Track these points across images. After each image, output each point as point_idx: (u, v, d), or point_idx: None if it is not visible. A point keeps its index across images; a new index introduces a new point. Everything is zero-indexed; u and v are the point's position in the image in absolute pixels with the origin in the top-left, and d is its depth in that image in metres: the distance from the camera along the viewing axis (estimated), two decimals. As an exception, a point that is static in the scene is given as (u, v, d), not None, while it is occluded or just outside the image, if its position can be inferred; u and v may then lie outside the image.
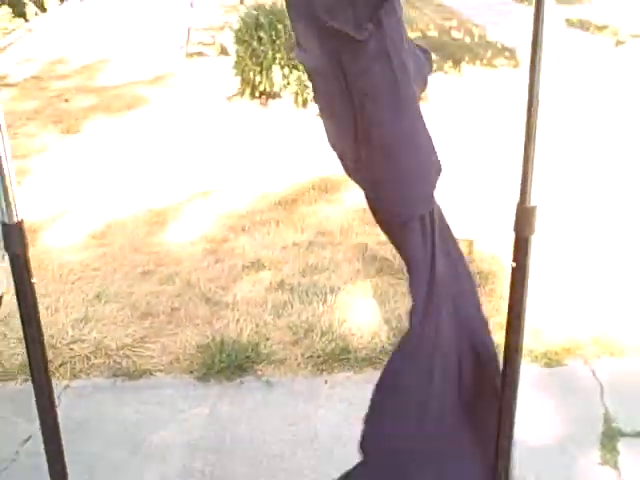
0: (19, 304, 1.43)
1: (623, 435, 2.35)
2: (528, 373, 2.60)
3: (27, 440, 2.37)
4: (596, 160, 4.63)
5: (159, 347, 2.83)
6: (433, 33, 8.91)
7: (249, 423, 2.45)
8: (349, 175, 1.66)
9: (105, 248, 3.54)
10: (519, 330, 1.57)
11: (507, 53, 7.68)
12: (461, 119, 5.46)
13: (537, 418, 2.43)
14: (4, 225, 1.34)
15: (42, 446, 1.59)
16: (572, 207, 3.93)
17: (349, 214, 3.90)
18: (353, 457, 1.76)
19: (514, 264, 1.48)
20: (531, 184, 1.43)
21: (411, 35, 8.69)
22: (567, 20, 9.44)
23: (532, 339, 2.80)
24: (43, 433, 1.58)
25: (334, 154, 1.62)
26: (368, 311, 3.02)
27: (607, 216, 3.85)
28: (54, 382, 2.58)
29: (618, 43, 8.07)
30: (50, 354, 2.74)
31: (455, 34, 8.80)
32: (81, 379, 2.69)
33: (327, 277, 3.26)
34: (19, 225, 1.35)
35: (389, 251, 3.46)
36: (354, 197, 4.12)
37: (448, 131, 5.21)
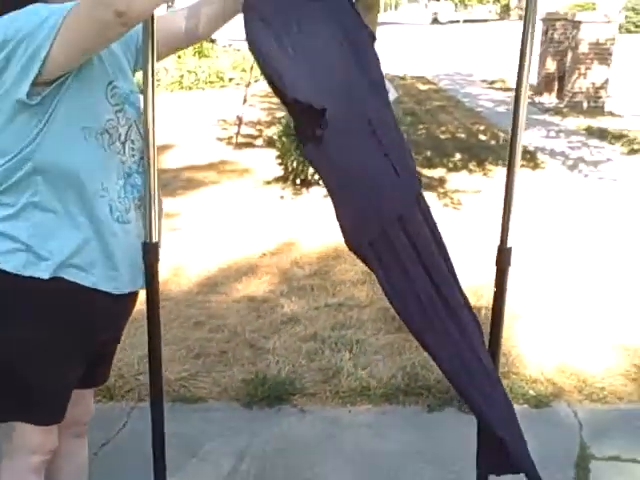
0: (147, 307, 1.90)
1: (595, 459, 2.83)
2: (520, 412, 3.12)
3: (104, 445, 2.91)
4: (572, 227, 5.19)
5: (210, 380, 3.38)
6: (461, 135, 9.63)
7: (285, 438, 2.97)
8: None
9: (164, 302, 4.13)
10: (498, 340, 2.07)
11: (528, 156, 8.32)
12: (479, 210, 6.06)
13: (529, 442, 2.92)
14: (144, 243, 1.85)
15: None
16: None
17: (375, 284, 4.47)
18: (370, 466, 2.23)
19: (495, 289, 2.05)
20: (508, 230, 2.01)
21: (441, 136, 9.47)
22: (588, 128, 10.17)
23: (528, 386, 3.32)
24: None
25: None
26: (387, 360, 3.56)
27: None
28: (123, 404, 3.18)
29: (632, 152, 8.69)
30: (120, 382, 3.31)
31: (482, 137, 9.51)
32: (145, 402, 3.24)
33: (353, 332, 3.81)
34: (155, 245, 1.86)
35: (408, 313, 4.04)
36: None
37: (468, 220, 5.82)
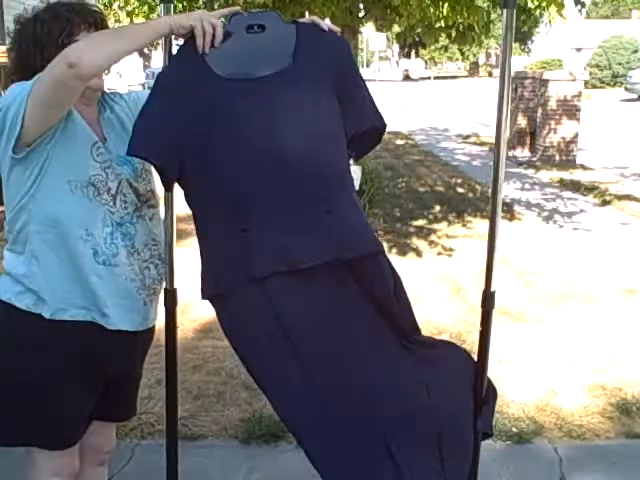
0: (166, 348, 2.14)
1: (574, 492, 3.03)
2: (504, 449, 3.32)
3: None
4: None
5: (209, 419, 3.53)
6: (440, 188, 9.95)
7: (284, 472, 3.13)
8: None
9: (160, 348, 4.28)
10: (483, 377, 2.28)
11: (505, 207, 8.63)
12: (461, 256, 6.30)
13: (512, 477, 3.11)
14: (165, 290, 2.12)
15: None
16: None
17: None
18: None
19: (481, 329, 2.25)
20: (492, 275, 2.22)
21: (420, 189, 9.78)
22: (561, 181, 10.55)
23: (511, 424, 3.52)
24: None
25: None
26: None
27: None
28: (127, 441, 3.32)
29: (604, 203, 9.04)
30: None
31: (459, 189, 9.83)
32: (148, 440, 3.38)
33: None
34: (174, 291, 2.12)
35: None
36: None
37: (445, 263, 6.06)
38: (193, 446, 3.31)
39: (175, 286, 2.13)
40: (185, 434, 3.39)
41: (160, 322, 2.18)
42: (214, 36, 1.85)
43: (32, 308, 1.92)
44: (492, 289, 2.20)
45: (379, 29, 7.58)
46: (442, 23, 5.66)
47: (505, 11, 1.95)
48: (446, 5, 5.33)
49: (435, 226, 7.61)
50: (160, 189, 2.04)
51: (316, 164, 1.86)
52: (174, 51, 1.96)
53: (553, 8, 5.31)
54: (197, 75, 1.88)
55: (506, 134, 2.08)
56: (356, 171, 1.83)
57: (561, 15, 5.36)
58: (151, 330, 2.16)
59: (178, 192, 1.97)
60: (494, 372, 3.96)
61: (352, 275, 1.89)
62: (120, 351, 2.07)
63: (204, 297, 1.92)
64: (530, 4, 5.39)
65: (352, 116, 1.94)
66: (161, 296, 2.15)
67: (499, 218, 2.16)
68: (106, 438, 2.27)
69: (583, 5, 6.03)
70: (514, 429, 3.48)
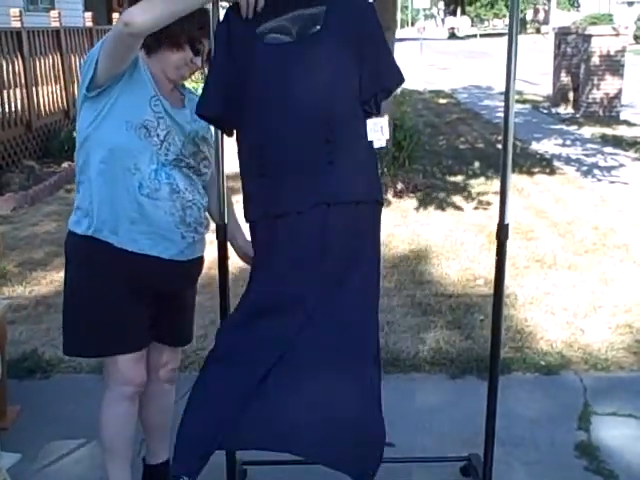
0: (220, 279, 2.42)
1: (596, 414, 3.28)
2: (532, 380, 3.59)
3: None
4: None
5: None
6: (480, 145, 10.10)
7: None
8: None
9: (212, 294, 4.61)
10: (501, 293, 2.53)
11: (544, 162, 8.78)
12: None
13: (538, 403, 3.39)
14: (217, 225, 2.39)
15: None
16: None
17: (402, 275, 4.97)
18: (402, 420, 2.65)
19: (497, 257, 2.51)
20: (505, 208, 2.47)
21: (460, 146, 9.94)
22: (603, 136, 10.60)
23: (539, 358, 3.78)
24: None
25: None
26: (414, 337, 4.03)
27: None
28: (186, 374, 3.65)
29: (645, 155, 9.11)
30: (182, 356, 3.78)
31: (499, 146, 9.95)
32: (205, 372, 3.73)
33: (384, 316, 4.27)
34: (225, 225, 2.39)
35: (432, 299, 4.53)
36: (407, 263, 5.21)
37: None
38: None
39: (225, 222, 2.39)
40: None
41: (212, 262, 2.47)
42: (256, 4, 2.13)
43: (83, 230, 2.28)
44: (506, 221, 2.42)
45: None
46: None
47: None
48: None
49: (473, 181, 7.81)
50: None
51: (327, 124, 2.15)
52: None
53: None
54: (244, 41, 2.17)
55: (515, 75, 2.32)
56: (382, 122, 1.99)
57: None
58: (194, 263, 2.45)
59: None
60: (524, 313, 4.26)
61: (342, 217, 2.20)
62: (162, 276, 2.36)
63: (246, 221, 2.29)
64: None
65: (370, 78, 2.20)
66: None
67: (510, 157, 2.39)
68: (170, 357, 2.61)
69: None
70: (542, 362, 3.74)
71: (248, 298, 2.25)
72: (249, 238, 2.35)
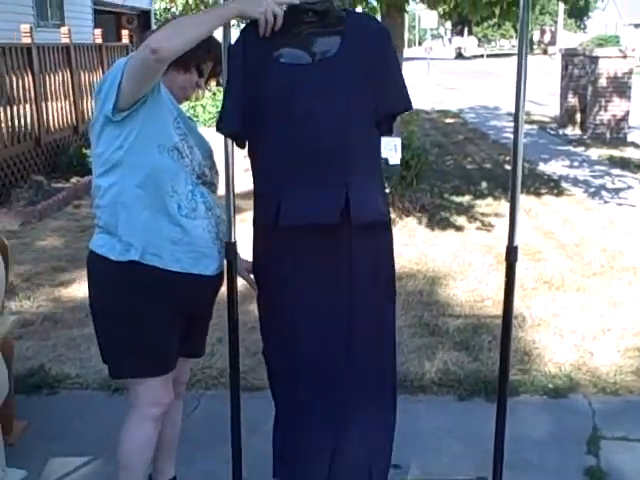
0: (228, 297, 2.44)
1: (605, 438, 3.26)
2: (541, 403, 3.57)
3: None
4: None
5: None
6: (487, 165, 10.11)
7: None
8: None
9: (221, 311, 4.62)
10: (510, 316, 2.52)
11: (552, 184, 8.78)
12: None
13: (547, 426, 3.37)
14: (226, 243, 2.39)
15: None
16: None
17: (410, 295, 4.96)
18: (410, 441, 2.66)
19: (506, 279, 2.50)
20: (514, 230, 2.46)
21: (468, 166, 9.94)
22: (610, 158, 10.60)
23: (547, 380, 3.76)
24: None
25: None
26: (422, 358, 4.01)
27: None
28: (194, 391, 3.63)
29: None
30: (190, 374, 3.79)
31: (507, 167, 9.96)
32: (212, 390, 3.72)
33: (392, 336, 4.26)
34: (234, 243, 2.40)
35: (440, 319, 4.52)
36: (414, 283, 5.20)
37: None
38: (252, 396, 3.62)
39: (233, 239, 2.40)
40: (245, 386, 3.70)
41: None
42: (274, 24, 2.15)
43: (122, 256, 2.25)
44: (515, 243, 2.42)
45: (430, 7, 7.74)
46: (486, 0, 5.78)
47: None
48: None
49: (481, 202, 7.81)
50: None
51: (342, 144, 2.21)
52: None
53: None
54: (261, 58, 2.22)
55: (525, 96, 2.33)
56: (396, 142, 2.02)
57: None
58: (222, 277, 2.47)
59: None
60: (532, 335, 4.24)
61: (356, 239, 2.29)
62: (201, 293, 2.40)
63: (261, 223, 2.37)
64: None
65: (382, 102, 2.26)
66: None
67: (519, 179, 2.39)
68: (183, 370, 2.63)
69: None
70: (550, 385, 3.72)
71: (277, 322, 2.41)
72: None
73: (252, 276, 2.50)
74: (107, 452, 2.87)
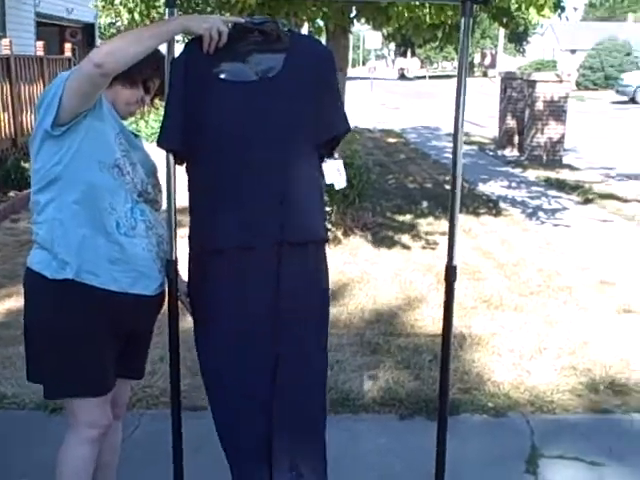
0: (169, 315, 2.39)
1: (544, 457, 3.32)
2: (480, 422, 3.62)
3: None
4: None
5: (208, 393, 3.81)
6: (428, 185, 10.25)
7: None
8: None
9: (162, 328, 4.56)
10: (449, 334, 2.55)
11: (490, 204, 8.95)
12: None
13: (487, 445, 3.41)
14: (167, 260, 2.36)
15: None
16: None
17: (352, 314, 4.98)
18: (351, 461, 2.64)
19: (445, 298, 2.54)
20: (453, 250, 2.49)
21: (409, 185, 10.07)
22: (547, 180, 10.86)
23: (487, 399, 3.81)
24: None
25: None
26: (363, 377, 4.03)
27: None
28: (134, 410, 3.58)
29: (587, 201, 9.35)
30: (130, 393, 3.73)
31: (447, 186, 10.11)
32: (153, 410, 3.67)
33: (333, 355, 4.26)
34: (175, 262, 2.37)
35: (381, 338, 4.55)
36: (357, 301, 5.23)
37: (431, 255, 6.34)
38: (193, 416, 3.57)
39: (174, 257, 2.36)
40: (186, 405, 3.65)
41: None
42: (219, 41, 2.15)
43: (57, 273, 2.21)
44: (454, 263, 2.46)
45: (375, 28, 7.84)
46: (429, 23, 5.89)
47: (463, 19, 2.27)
48: (432, 6, 5.57)
49: (422, 220, 7.91)
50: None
51: (279, 164, 2.22)
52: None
53: (533, 9, 5.58)
54: (202, 74, 2.21)
55: (463, 119, 2.37)
56: (339, 165, 2.03)
57: (542, 16, 5.63)
58: (163, 297, 2.43)
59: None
60: (472, 354, 4.30)
61: (293, 257, 2.26)
62: (140, 313, 2.36)
63: (194, 251, 2.32)
64: (512, 6, 5.68)
65: (323, 124, 2.28)
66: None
67: (458, 200, 2.42)
68: (122, 391, 2.58)
69: (563, 10, 6.32)
70: (490, 404, 3.78)
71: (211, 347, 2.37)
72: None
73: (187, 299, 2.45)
74: (45, 474, 2.80)
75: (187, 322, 2.49)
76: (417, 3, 5.79)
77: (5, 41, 10.17)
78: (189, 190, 2.31)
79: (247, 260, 2.24)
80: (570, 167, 12.21)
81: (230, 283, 2.27)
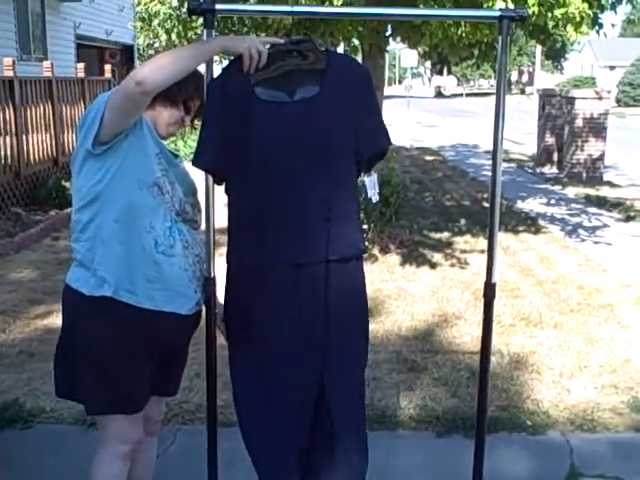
0: (206, 332, 2.40)
1: (583, 476, 3.26)
2: (519, 440, 3.57)
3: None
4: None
5: (244, 409, 3.82)
6: (466, 202, 10.20)
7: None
8: None
9: (198, 345, 4.59)
10: (488, 352, 2.52)
11: (529, 221, 8.87)
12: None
13: (525, 463, 3.36)
14: (205, 278, 2.38)
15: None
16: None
17: (389, 331, 4.96)
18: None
19: (484, 316, 2.51)
20: (492, 267, 2.48)
21: (447, 203, 10.02)
22: (586, 197, 10.74)
23: (525, 417, 3.76)
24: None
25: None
26: (400, 394, 4.00)
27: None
28: (170, 426, 3.60)
29: (628, 218, 9.21)
30: (166, 408, 3.75)
31: (485, 204, 10.05)
32: (188, 425, 3.68)
33: (370, 371, 4.24)
34: (213, 279, 2.38)
35: (418, 355, 4.52)
36: (393, 318, 5.21)
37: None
38: (229, 431, 3.58)
39: (212, 274, 2.37)
40: (221, 421, 3.67)
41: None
42: (259, 61, 2.17)
43: (95, 291, 2.23)
44: (493, 280, 2.44)
45: (410, 46, 7.86)
46: (465, 41, 5.89)
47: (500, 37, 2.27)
48: (467, 24, 5.58)
49: (459, 238, 7.86)
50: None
51: (323, 183, 2.23)
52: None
53: (570, 27, 5.55)
54: (242, 95, 2.23)
55: (502, 136, 2.35)
56: (373, 178, 2.04)
57: (580, 33, 5.60)
58: (199, 316, 2.44)
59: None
60: (510, 371, 4.26)
61: (338, 274, 2.27)
62: (174, 332, 2.37)
63: (234, 268, 2.34)
64: (549, 23, 5.65)
65: (367, 141, 2.30)
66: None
67: (497, 217, 2.40)
68: (157, 409, 2.59)
69: (601, 26, 6.28)
70: (528, 422, 3.72)
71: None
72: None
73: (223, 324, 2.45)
74: (81, 488, 2.83)
75: (223, 339, 2.50)
76: (451, 22, 5.80)
77: (47, 63, 10.39)
78: (229, 209, 2.31)
79: (296, 278, 2.24)
80: (611, 184, 12.06)
81: (278, 301, 2.27)
